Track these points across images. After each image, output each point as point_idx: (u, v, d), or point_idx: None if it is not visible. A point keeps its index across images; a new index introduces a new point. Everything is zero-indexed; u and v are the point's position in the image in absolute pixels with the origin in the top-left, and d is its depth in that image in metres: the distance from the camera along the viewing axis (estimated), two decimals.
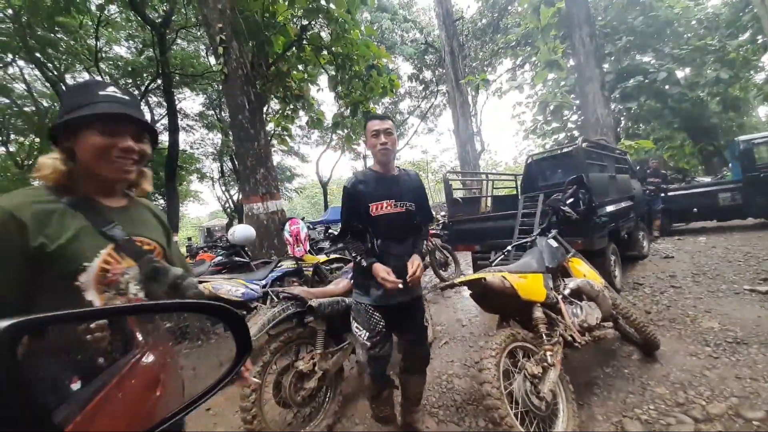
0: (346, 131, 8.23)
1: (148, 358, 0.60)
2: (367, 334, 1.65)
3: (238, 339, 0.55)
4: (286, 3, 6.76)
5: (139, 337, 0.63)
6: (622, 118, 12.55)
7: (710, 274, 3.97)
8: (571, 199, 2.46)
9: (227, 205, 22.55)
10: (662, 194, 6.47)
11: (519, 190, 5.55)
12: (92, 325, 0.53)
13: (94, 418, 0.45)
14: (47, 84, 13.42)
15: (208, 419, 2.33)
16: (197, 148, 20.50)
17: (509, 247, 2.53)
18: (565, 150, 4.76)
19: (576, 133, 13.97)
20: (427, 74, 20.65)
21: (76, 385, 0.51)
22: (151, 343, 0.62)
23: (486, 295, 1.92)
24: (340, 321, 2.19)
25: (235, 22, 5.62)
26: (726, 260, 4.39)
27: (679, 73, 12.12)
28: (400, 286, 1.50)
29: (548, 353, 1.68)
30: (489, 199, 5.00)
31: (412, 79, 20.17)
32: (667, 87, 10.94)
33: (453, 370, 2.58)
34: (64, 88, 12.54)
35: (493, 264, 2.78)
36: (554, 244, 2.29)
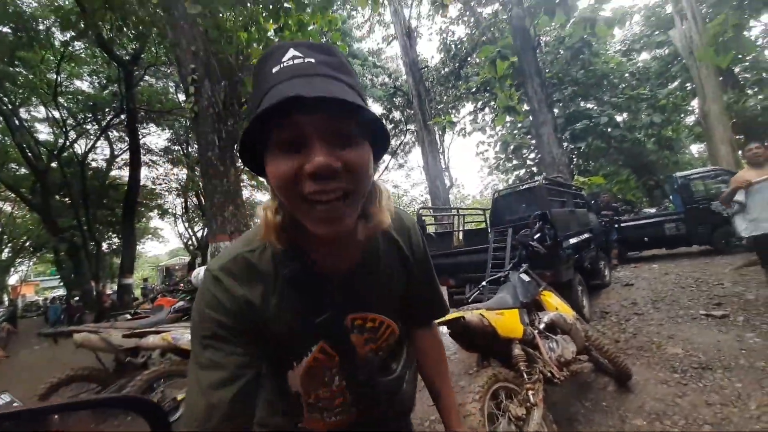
0: None
1: None
2: None
3: None
4: (261, 47, 7.01)
5: (55, 418, 0.57)
6: (573, 157, 13.78)
7: (667, 300, 4.22)
8: (537, 234, 2.58)
9: (190, 242, 21.36)
10: (616, 225, 6.98)
11: (488, 223, 5.77)
12: None
13: None
14: None
15: None
16: (160, 184, 19.66)
17: (484, 283, 2.56)
18: (527, 186, 5.08)
19: (534, 169, 15.05)
20: (396, 114, 21.77)
21: None
22: (69, 422, 0.57)
23: (465, 334, 1.89)
24: None
25: (208, 63, 5.70)
26: (679, 286, 4.71)
27: (619, 118, 13.67)
28: None
29: (530, 392, 1.66)
30: (461, 233, 5.13)
31: (382, 118, 21.11)
32: (609, 130, 12.25)
33: (435, 414, 2.46)
34: (16, 122, 11.84)
35: (469, 300, 2.78)
36: (526, 278, 2.35)
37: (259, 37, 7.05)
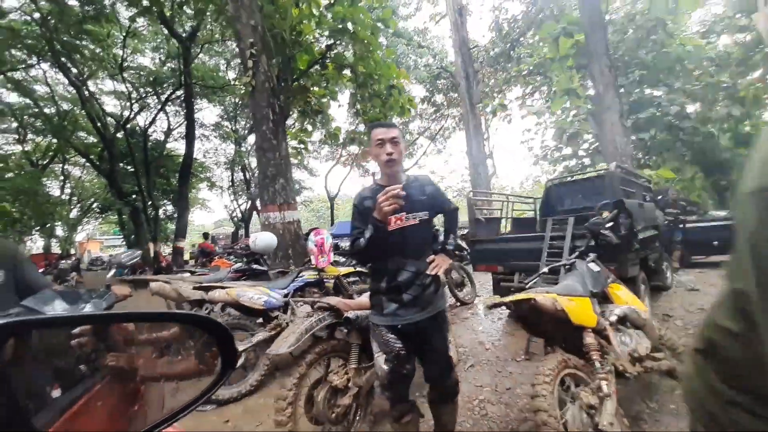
0: (361, 147, 8.35)
1: (130, 369, 0.60)
2: (384, 356, 1.54)
3: (223, 353, 0.55)
4: (313, 23, 7.02)
5: (122, 346, 0.61)
6: (632, 148, 12.62)
7: None
8: (610, 224, 2.41)
9: (234, 214, 22.60)
10: (681, 225, 6.38)
11: (537, 212, 5.51)
12: (76, 331, 0.49)
13: (72, 426, 0.46)
14: (69, 88, 13.85)
15: None
16: (209, 157, 20.81)
17: (545, 269, 2.46)
18: (596, 173, 4.76)
19: (586, 161, 14.04)
20: (439, 98, 21.12)
21: (56, 392, 0.50)
22: (133, 354, 0.61)
23: (531, 317, 1.84)
24: None
25: (265, 38, 5.80)
26: None
27: (690, 108, 12.27)
28: (397, 190, 1.32)
29: (604, 383, 1.59)
30: (508, 220, 4.95)
31: (424, 101, 20.61)
32: (678, 121, 11.07)
33: (483, 395, 2.46)
34: (86, 93, 12.92)
35: (526, 285, 2.69)
36: (596, 268, 2.22)
37: (311, 13, 7.04)
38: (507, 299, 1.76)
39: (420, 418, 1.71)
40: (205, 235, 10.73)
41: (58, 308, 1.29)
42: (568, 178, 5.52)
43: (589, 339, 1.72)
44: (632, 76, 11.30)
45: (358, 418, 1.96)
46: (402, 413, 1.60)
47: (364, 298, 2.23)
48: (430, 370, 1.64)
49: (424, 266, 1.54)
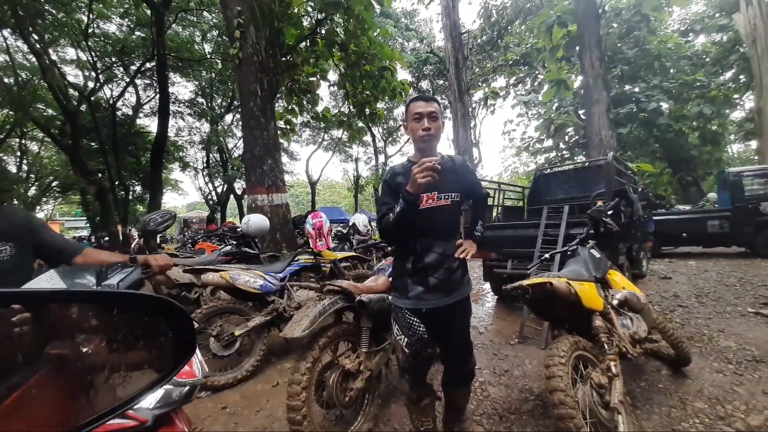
0: (351, 131, 8.15)
1: (75, 356, 0.54)
2: (407, 339, 1.51)
3: (182, 337, 0.52)
4: None
5: (67, 331, 0.54)
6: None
7: (712, 296, 4.12)
8: (611, 211, 2.47)
9: (210, 197, 21.72)
10: (653, 217, 6.75)
11: (525, 202, 5.63)
12: (13, 319, 0.43)
13: (7, 418, 0.42)
14: (28, 56, 12.53)
15: (226, 419, 2.14)
16: (183, 136, 19.72)
17: (546, 255, 2.50)
18: (579, 164, 4.87)
19: (566, 153, 14.47)
20: (424, 84, 20.92)
21: None
22: (79, 339, 0.55)
23: (542, 300, 1.87)
24: (382, 320, 2.08)
25: (252, 6, 5.44)
26: (723, 284, 4.59)
27: (664, 105, 12.86)
28: (434, 162, 1.24)
29: (612, 363, 1.64)
30: (500, 208, 5.03)
31: (410, 87, 20.41)
32: (653, 117, 11.56)
33: (483, 377, 2.51)
34: (47, 61, 11.74)
35: (528, 271, 2.74)
36: (597, 254, 2.28)
37: None
38: (525, 282, 1.77)
39: (437, 401, 1.71)
40: (210, 219, 11.05)
41: (68, 286, 1.14)
42: (556, 168, 5.64)
43: (599, 322, 1.77)
44: (615, 71, 11.62)
45: (367, 401, 1.94)
46: (421, 396, 1.59)
47: (370, 283, 2.19)
48: (450, 354, 1.63)
49: (452, 249, 1.50)
